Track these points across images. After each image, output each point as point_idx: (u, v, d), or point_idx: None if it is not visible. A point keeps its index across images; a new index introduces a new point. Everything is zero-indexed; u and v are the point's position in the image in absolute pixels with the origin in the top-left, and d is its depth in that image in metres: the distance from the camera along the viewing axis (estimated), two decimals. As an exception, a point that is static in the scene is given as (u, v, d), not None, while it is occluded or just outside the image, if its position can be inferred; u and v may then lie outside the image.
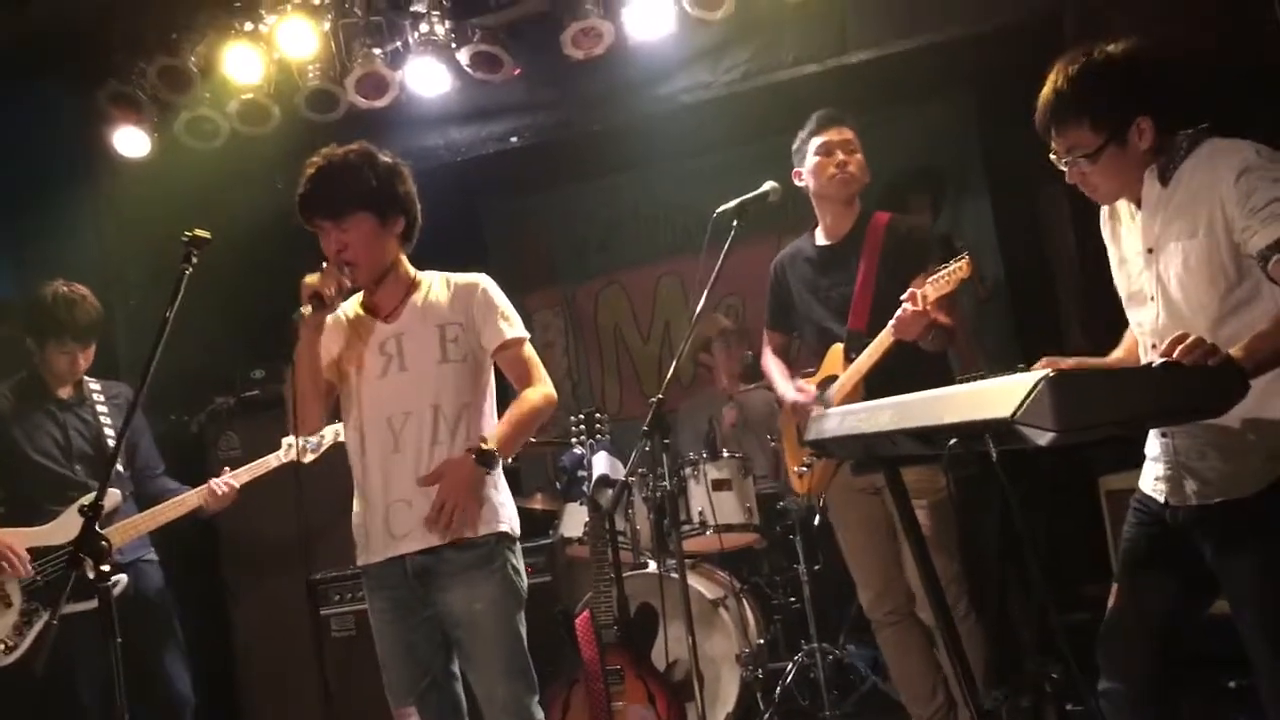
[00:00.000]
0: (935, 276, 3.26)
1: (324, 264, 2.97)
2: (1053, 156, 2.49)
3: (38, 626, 3.82)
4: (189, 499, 4.06)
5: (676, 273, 6.58)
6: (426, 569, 2.96)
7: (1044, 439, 1.95)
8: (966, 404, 2.15)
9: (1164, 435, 2.44)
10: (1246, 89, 3.80)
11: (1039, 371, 1.97)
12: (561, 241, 6.81)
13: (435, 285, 3.10)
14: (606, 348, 6.83)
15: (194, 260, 2.67)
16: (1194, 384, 2.01)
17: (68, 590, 2.36)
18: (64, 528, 3.90)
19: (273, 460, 4.16)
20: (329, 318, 3.04)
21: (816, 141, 3.69)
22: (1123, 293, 2.59)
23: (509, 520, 3.05)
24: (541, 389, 3.07)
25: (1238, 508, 2.32)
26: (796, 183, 3.75)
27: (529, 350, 3.11)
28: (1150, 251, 2.44)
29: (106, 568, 2.28)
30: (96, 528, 2.33)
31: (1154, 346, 2.44)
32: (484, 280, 3.12)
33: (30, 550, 3.83)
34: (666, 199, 6.48)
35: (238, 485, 4.06)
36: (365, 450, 3.03)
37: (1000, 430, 2.02)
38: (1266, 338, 2.13)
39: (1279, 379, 2.23)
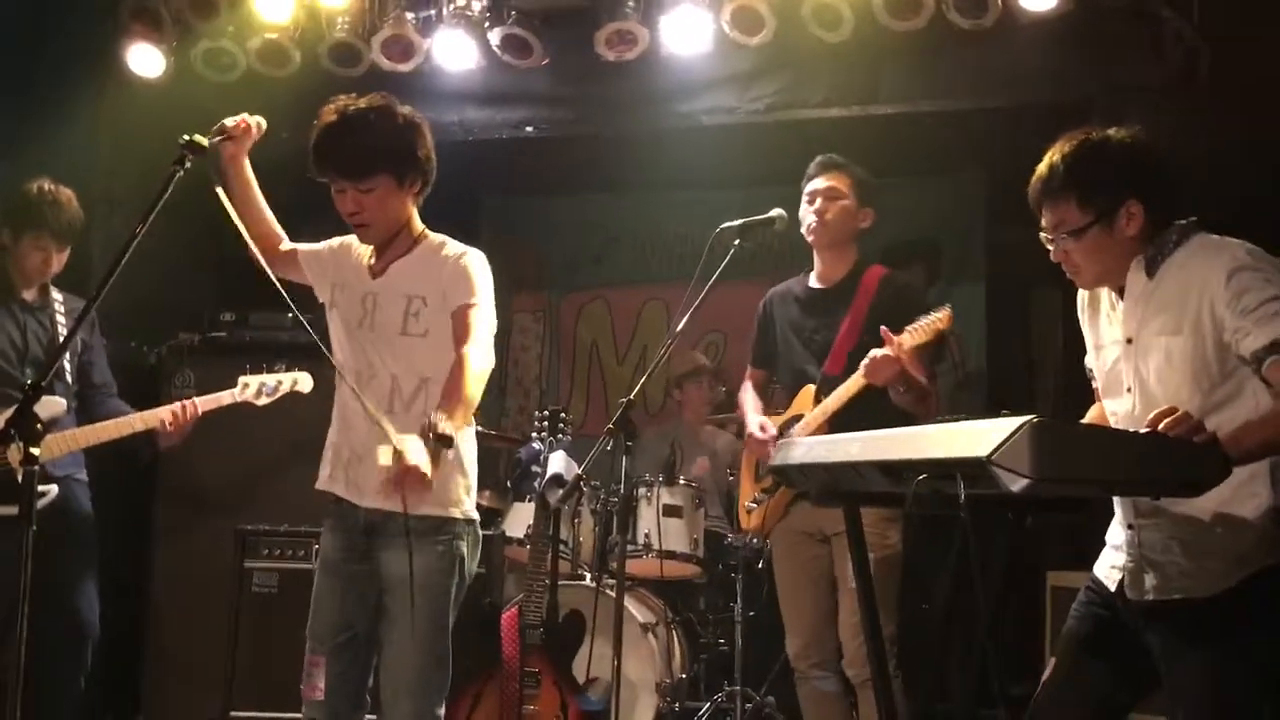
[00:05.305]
0: (914, 325, 3.30)
1: None
2: (1041, 235, 2.48)
3: None
4: (135, 420, 3.92)
5: (663, 299, 6.54)
6: (375, 526, 2.91)
7: (1017, 485, 1.90)
8: (941, 441, 2.10)
9: (1130, 527, 2.40)
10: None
11: (1022, 416, 1.93)
12: (556, 248, 6.76)
13: (428, 250, 3.01)
14: (580, 362, 6.76)
15: (186, 165, 2.57)
16: (1177, 458, 1.97)
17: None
18: (0, 426, 3.78)
19: (226, 397, 4.02)
20: (346, 245, 3.05)
21: (806, 188, 3.71)
22: (1097, 379, 2.57)
23: (466, 509, 2.98)
24: (476, 348, 2.84)
25: (1195, 607, 2.28)
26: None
27: (475, 313, 2.91)
28: (1130, 342, 2.41)
29: (36, 451, 2.16)
30: (35, 410, 2.22)
31: None
32: (471, 252, 2.99)
33: (-42, 442, 3.72)
34: (668, 224, 6.44)
35: (200, 410, 3.81)
36: (341, 396, 3.00)
37: (973, 470, 1.98)
38: (1255, 428, 2.11)
39: (1254, 479, 2.22)
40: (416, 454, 2.54)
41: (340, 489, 2.98)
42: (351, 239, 3.09)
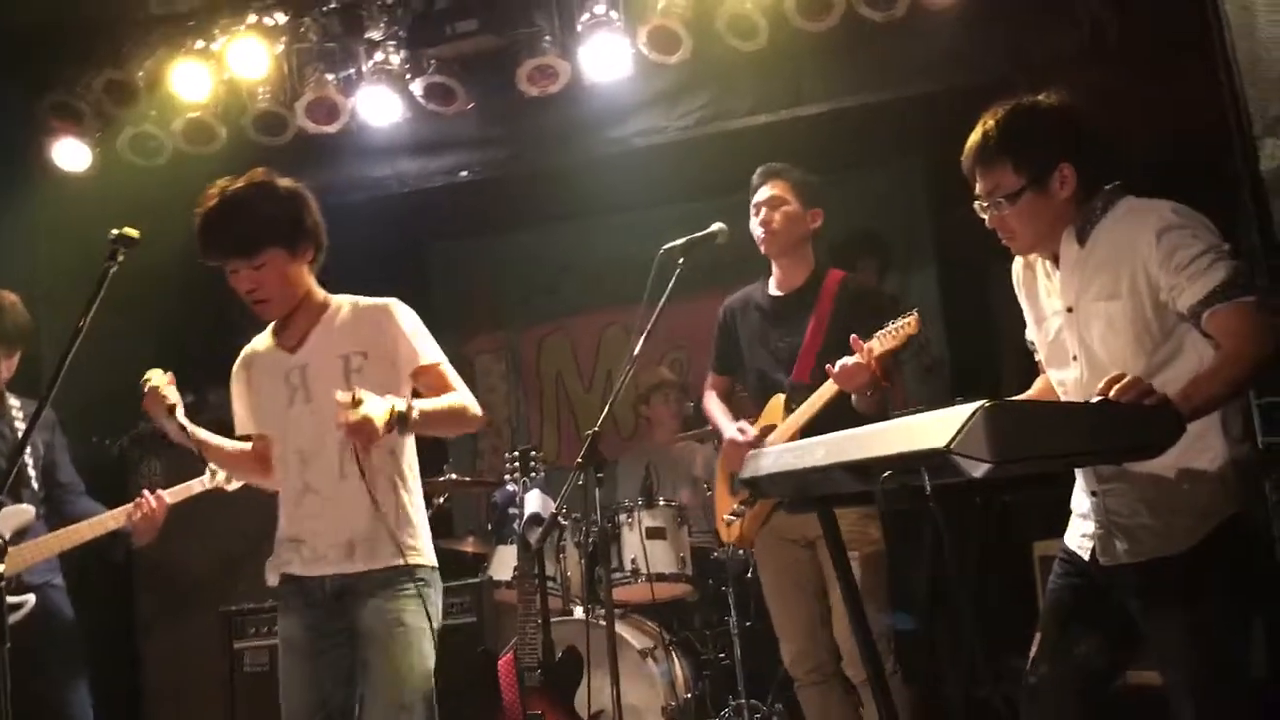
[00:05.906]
0: (883, 331, 3.30)
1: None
2: (976, 204, 2.51)
3: None
4: (107, 520, 3.87)
5: (622, 322, 6.54)
6: (345, 588, 2.89)
7: (979, 470, 1.92)
8: (902, 436, 2.12)
9: (1093, 494, 2.43)
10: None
11: (975, 403, 1.95)
12: (508, 285, 6.76)
13: (343, 311, 3.01)
14: (548, 395, 6.76)
15: (119, 259, 2.57)
16: (1131, 423, 2.01)
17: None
18: (-34, 541, 3.73)
19: (196, 485, 4.00)
20: (245, 358, 3.09)
21: (752, 201, 3.74)
22: (1040, 351, 2.61)
23: (423, 556, 2.96)
24: (465, 396, 2.96)
25: (1167, 565, 2.32)
26: None
27: (446, 368, 2.98)
28: (1070, 311, 2.45)
29: (2, 568, 2.15)
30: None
31: None
32: (393, 303, 3.01)
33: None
34: (616, 248, 6.42)
35: (169, 501, 3.80)
36: (286, 478, 2.99)
37: (935, 461, 1.99)
38: (1202, 383, 2.14)
39: (1206, 433, 2.26)
40: (372, 406, 2.65)
41: (297, 568, 2.95)
42: (245, 351, 3.10)
